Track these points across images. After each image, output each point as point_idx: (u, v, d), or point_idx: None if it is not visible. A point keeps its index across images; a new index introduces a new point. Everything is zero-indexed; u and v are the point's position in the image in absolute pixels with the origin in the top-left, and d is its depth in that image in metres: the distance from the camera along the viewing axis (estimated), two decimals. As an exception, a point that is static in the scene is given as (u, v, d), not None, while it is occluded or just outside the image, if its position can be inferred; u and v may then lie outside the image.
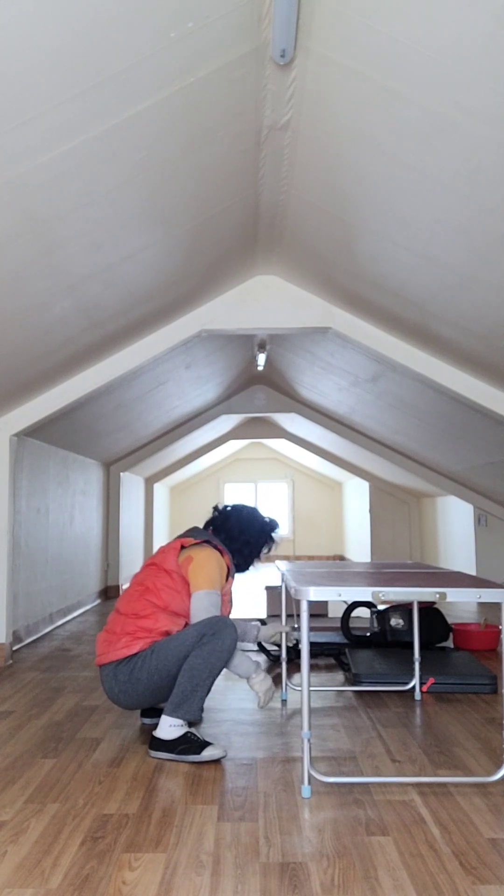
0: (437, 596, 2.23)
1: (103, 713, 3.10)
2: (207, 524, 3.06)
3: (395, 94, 2.03)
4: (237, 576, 9.65)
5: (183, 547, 2.83)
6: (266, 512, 3.21)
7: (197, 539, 2.84)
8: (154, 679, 2.61)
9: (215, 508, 3.09)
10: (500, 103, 1.88)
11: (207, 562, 2.75)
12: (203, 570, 2.73)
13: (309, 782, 2.20)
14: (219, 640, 2.58)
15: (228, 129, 2.45)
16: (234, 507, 3.09)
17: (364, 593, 2.22)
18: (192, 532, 2.95)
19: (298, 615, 5.72)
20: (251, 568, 3.09)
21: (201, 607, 2.67)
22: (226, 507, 3.10)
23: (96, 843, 1.90)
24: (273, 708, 3.18)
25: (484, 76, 1.82)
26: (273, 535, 3.09)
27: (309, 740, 2.20)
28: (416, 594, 2.25)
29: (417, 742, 2.70)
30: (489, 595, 2.21)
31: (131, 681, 2.62)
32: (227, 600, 2.87)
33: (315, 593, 2.19)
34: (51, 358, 3.70)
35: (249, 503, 3.23)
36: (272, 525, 3.10)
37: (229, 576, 2.90)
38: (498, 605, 6.66)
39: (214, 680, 2.60)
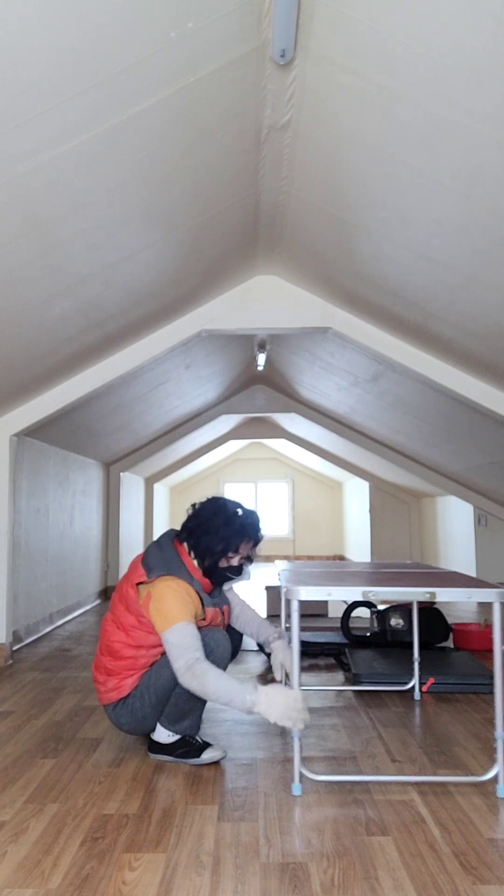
0: (428, 595, 2.24)
1: (103, 713, 3.10)
2: (182, 527, 2.66)
3: (395, 95, 2.03)
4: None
5: (140, 583, 2.52)
6: (238, 503, 2.66)
7: (151, 577, 2.47)
8: (158, 710, 2.50)
9: (192, 506, 2.70)
10: (501, 103, 1.88)
11: (163, 598, 2.42)
12: (160, 609, 2.40)
13: (300, 780, 2.22)
14: (212, 659, 2.47)
15: (228, 129, 2.45)
16: (199, 508, 2.64)
17: (354, 593, 2.25)
18: (155, 551, 2.56)
19: (301, 615, 5.71)
20: (244, 574, 2.66)
21: (170, 650, 2.35)
22: (197, 508, 2.66)
23: (96, 843, 1.90)
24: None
25: (484, 76, 1.82)
26: (248, 528, 2.59)
27: (300, 739, 2.23)
28: (405, 594, 2.27)
29: (417, 742, 2.70)
30: (480, 595, 2.23)
31: (135, 718, 2.51)
32: (217, 623, 2.63)
33: (306, 593, 2.22)
34: (51, 358, 3.70)
35: (225, 496, 2.72)
36: (245, 518, 2.59)
37: (213, 594, 2.64)
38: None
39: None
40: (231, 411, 7.79)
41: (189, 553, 2.58)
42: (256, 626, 2.81)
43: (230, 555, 2.57)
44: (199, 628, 2.52)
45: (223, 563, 2.58)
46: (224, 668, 2.53)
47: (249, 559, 2.66)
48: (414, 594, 2.25)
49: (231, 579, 2.63)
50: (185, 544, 2.60)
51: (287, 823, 2.01)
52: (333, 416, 7.50)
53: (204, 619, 2.54)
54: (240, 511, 2.60)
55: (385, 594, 2.26)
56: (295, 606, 2.22)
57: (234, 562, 2.60)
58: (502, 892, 1.64)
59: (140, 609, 2.48)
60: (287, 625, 3.93)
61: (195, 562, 2.59)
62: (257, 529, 2.61)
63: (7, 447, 4.27)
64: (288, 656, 2.62)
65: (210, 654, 2.47)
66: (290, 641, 2.49)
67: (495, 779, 2.27)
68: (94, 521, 6.91)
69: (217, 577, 2.60)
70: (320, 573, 2.84)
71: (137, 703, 2.50)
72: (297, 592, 2.20)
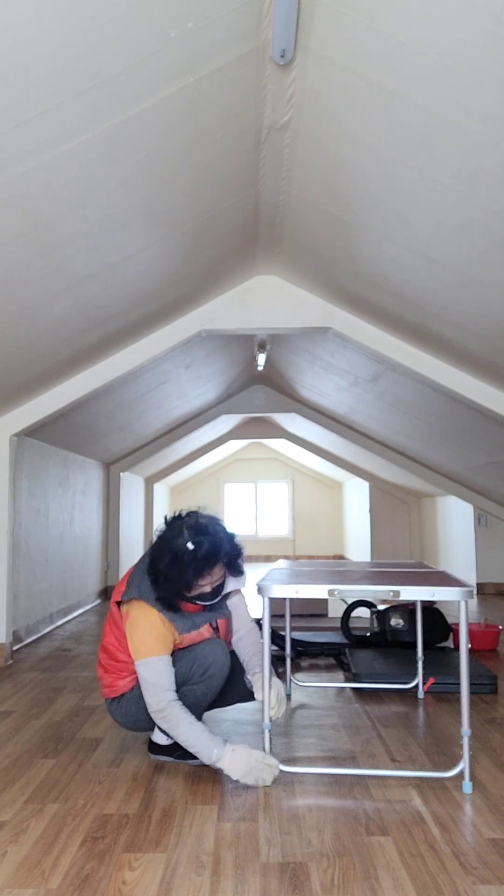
0: (392, 594, 2.31)
1: (103, 713, 3.10)
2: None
3: (394, 95, 2.03)
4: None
5: (119, 602, 2.48)
6: (198, 526, 2.39)
7: (125, 598, 2.43)
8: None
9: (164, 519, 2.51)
10: (500, 103, 1.88)
11: (134, 628, 2.37)
12: (132, 638, 2.38)
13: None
14: (209, 679, 2.44)
15: (228, 129, 2.45)
16: (154, 543, 2.44)
17: (320, 591, 2.34)
18: (137, 569, 2.48)
19: (301, 615, 5.72)
20: (239, 581, 2.51)
21: (142, 683, 2.35)
22: (153, 541, 2.45)
23: (96, 843, 1.90)
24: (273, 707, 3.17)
25: (484, 76, 1.82)
26: (201, 562, 2.32)
27: (269, 731, 2.36)
28: (369, 592, 2.34)
29: (418, 742, 2.70)
30: (443, 593, 2.28)
31: (129, 719, 2.52)
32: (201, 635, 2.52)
33: (276, 591, 2.35)
34: (51, 358, 3.70)
35: (184, 518, 2.45)
36: (197, 552, 2.31)
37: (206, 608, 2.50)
38: (497, 605, 6.67)
39: (207, 706, 2.52)
40: (231, 411, 7.79)
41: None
42: (249, 657, 2.61)
43: (195, 586, 2.37)
44: (198, 643, 2.47)
45: (194, 592, 2.39)
46: (219, 685, 2.47)
47: (239, 571, 2.48)
48: (378, 592, 2.33)
49: (208, 604, 2.46)
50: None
51: (287, 823, 2.01)
52: (333, 416, 7.50)
53: (181, 643, 2.45)
54: (190, 545, 2.31)
55: (350, 592, 2.33)
56: (266, 604, 2.34)
57: (206, 589, 2.40)
58: (502, 892, 1.64)
59: (121, 625, 2.47)
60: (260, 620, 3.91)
61: None
62: (218, 557, 2.36)
63: (7, 447, 4.27)
64: (275, 688, 2.45)
65: (208, 669, 2.42)
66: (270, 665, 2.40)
67: (461, 775, 2.30)
68: (94, 521, 6.91)
69: (191, 603, 2.43)
70: (304, 572, 2.89)
71: (132, 708, 2.49)
72: (268, 590, 2.35)
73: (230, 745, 2.27)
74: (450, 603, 6.77)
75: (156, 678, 2.33)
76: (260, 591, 2.35)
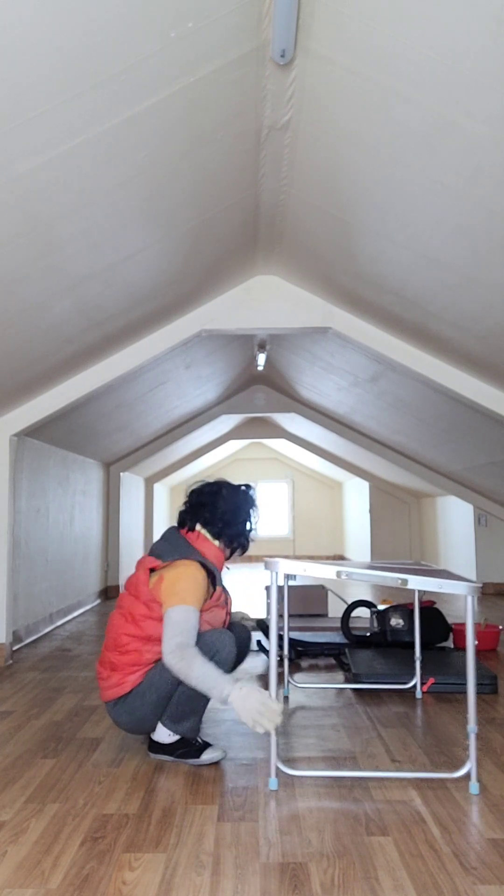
0: (399, 581, 2.33)
1: (103, 713, 3.10)
2: (186, 516, 2.78)
3: (395, 95, 2.03)
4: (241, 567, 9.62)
5: (152, 569, 2.62)
6: (223, 482, 2.94)
7: (166, 561, 2.59)
8: (158, 710, 2.50)
9: (193, 494, 2.83)
10: (501, 103, 1.88)
11: (178, 579, 2.52)
12: (173, 586, 2.51)
13: (276, 775, 2.27)
14: (216, 660, 2.47)
15: (228, 129, 2.45)
16: (210, 489, 2.81)
17: (328, 570, 2.36)
18: (164, 543, 2.69)
19: (301, 615, 5.72)
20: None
21: (169, 625, 2.44)
22: (201, 491, 2.82)
23: (96, 843, 1.90)
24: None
25: (484, 76, 1.82)
26: (253, 498, 2.89)
27: (276, 734, 2.31)
28: (377, 577, 2.35)
29: (418, 742, 2.70)
30: (450, 586, 2.28)
31: (133, 717, 2.52)
32: (219, 605, 2.69)
33: (284, 566, 2.38)
34: (51, 358, 3.70)
35: (219, 479, 2.95)
36: (248, 490, 2.88)
37: (216, 583, 2.68)
38: (497, 605, 6.67)
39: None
40: (231, 411, 7.79)
41: (216, 538, 2.73)
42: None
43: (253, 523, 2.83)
44: (206, 630, 2.52)
45: (251, 530, 2.82)
46: (227, 672, 2.50)
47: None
48: (386, 578, 2.34)
49: (247, 545, 2.84)
50: (205, 529, 2.72)
51: (287, 823, 2.01)
52: (333, 416, 7.50)
53: (211, 598, 2.64)
54: (244, 486, 2.86)
55: (358, 575, 2.35)
56: (274, 578, 2.38)
57: (255, 524, 2.84)
58: (502, 892, 1.64)
59: (150, 593, 2.54)
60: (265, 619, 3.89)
61: (217, 543, 2.73)
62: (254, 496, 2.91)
63: (7, 447, 4.27)
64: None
65: (215, 655, 2.46)
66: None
67: (468, 775, 2.28)
68: (94, 521, 6.91)
69: (245, 542, 2.80)
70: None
71: (137, 702, 2.49)
72: (276, 565, 2.40)
73: (240, 685, 2.29)
74: (450, 603, 6.77)
75: (185, 622, 2.43)
76: (268, 566, 2.38)
